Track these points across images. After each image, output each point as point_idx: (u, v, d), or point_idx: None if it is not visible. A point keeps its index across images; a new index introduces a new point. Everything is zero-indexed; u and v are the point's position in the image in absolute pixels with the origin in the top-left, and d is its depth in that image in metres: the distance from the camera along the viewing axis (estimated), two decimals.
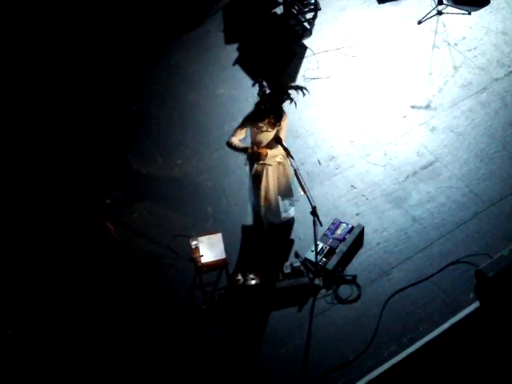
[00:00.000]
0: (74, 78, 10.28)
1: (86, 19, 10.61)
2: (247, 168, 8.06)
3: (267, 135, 7.60)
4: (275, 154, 7.72)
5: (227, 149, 7.78)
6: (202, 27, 10.89)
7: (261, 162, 7.76)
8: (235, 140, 7.63)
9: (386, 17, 10.61)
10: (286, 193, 8.27)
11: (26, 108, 10.00)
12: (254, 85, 7.66)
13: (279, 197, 8.22)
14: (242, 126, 7.63)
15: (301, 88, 7.60)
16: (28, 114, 9.93)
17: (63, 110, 9.97)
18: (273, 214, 8.33)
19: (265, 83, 7.69)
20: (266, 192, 8.02)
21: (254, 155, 7.66)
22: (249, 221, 8.48)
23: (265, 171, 7.85)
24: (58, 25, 10.49)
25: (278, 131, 7.63)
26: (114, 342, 7.83)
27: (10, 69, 10.29)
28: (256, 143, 7.68)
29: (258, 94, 7.59)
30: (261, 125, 7.54)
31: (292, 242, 8.43)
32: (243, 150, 7.68)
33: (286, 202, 8.37)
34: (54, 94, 10.13)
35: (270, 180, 7.94)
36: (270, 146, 7.68)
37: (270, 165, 7.83)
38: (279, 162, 7.89)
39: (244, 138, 7.74)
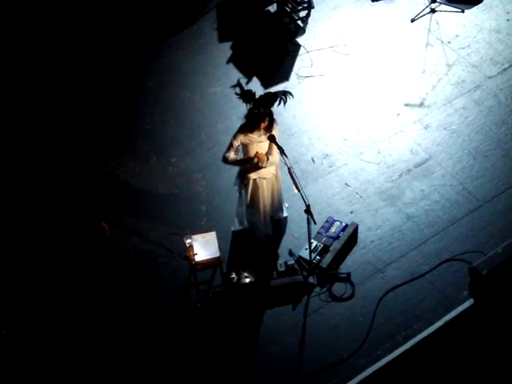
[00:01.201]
0: (67, 78, 10.26)
1: (79, 19, 10.59)
2: (236, 188, 8.07)
3: (260, 146, 7.59)
4: (271, 162, 7.70)
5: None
6: (196, 25, 10.88)
7: (255, 174, 7.76)
8: (231, 154, 7.60)
9: (379, 15, 10.61)
10: (277, 208, 8.32)
11: (19, 108, 9.98)
12: (234, 87, 7.60)
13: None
14: (236, 138, 7.60)
15: (285, 93, 7.58)
16: (21, 114, 9.91)
17: (57, 109, 9.95)
18: (267, 228, 8.35)
19: (243, 83, 7.67)
20: (263, 206, 8.03)
21: (254, 163, 7.64)
22: (237, 227, 8.47)
23: (260, 186, 7.85)
24: (52, 25, 10.47)
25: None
26: (108, 340, 7.83)
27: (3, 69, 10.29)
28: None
29: (237, 94, 7.56)
30: (253, 136, 7.54)
31: (286, 240, 8.43)
32: (245, 161, 7.65)
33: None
34: (48, 93, 10.11)
35: (266, 193, 7.95)
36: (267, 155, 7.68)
37: (265, 178, 7.84)
38: (273, 174, 7.89)
39: (237, 153, 7.72)
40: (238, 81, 7.68)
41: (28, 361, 7.73)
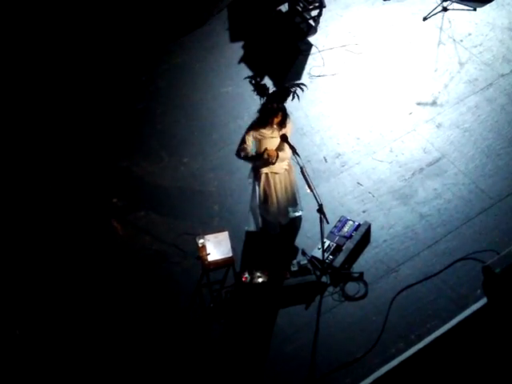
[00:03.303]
0: (80, 78, 10.29)
1: (91, 19, 10.62)
2: (250, 180, 8.07)
3: (272, 142, 7.59)
4: (282, 158, 7.72)
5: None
6: (207, 25, 10.89)
7: (267, 169, 7.76)
8: (244, 150, 7.62)
9: (391, 13, 10.59)
10: (292, 202, 8.30)
11: (34, 109, 10.03)
12: (249, 78, 7.61)
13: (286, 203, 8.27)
14: (248, 133, 7.61)
15: (299, 85, 7.58)
16: (35, 115, 9.96)
17: (69, 109, 9.99)
18: (282, 217, 8.35)
19: (258, 78, 7.67)
20: (277, 199, 8.03)
21: (265, 158, 7.64)
22: (252, 228, 8.46)
23: (272, 180, 7.86)
24: (64, 25, 10.51)
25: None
26: (121, 340, 7.85)
27: (14, 70, 10.32)
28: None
29: (251, 83, 7.55)
30: (266, 131, 7.54)
31: (299, 240, 8.42)
32: (257, 156, 7.65)
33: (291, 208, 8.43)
34: (60, 94, 10.15)
35: (278, 188, 7.95)
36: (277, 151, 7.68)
37: (277, 173, 7.84)
38: (286, 169, 7.90)
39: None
40: (254, 75, 7.70)
41: (41, 360, 7.76)
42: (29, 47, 10.45)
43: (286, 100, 7.51)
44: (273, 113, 7.43)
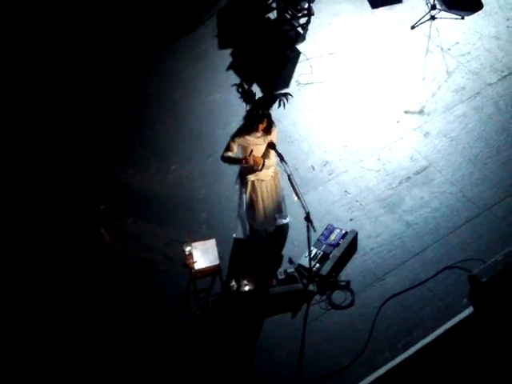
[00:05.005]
0: (68, 84, 10.28)
1: (81, 25, 10.62)
2: (237, 187, 8.07)
3: (258, 148, 7.59)
4: (268, 165, 7.72)
5: (220, 154, 7.74)
6: (196, 32, 10.89)
7: (253, 176, 7.77)
8: (229, 154, 7.61)
9: (379, 22, 10.62)
10: (277, 209, 8.30)
11: (21, 113, 10.01)
12: (235, 85, 7.60)
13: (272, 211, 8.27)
14: (234, 139, 7.60)
15: (285, 94, 7.58)
16: (23, 119, 9.93)
17: (58, 115, 9.97)
18: (269, 225, 8.35)
19: (246, 85, 7.64)
20: (263, 207, 8.03)
21: (249, 165, 7.63)
22: (240, 235, 8.46)
23: (259, 188, 7.86)
24: (54, 31, 10.50)
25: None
26: (107, 349, 7.82)
27: (5, 74, 10.31)
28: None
29: (238, 92, 7.54)
30: (251, 138, 7.54)
31: (286, 248, 8.42)
32: (239, 160, 7.65)
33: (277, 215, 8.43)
34: (49, 99, 10.14)
35: (265, 195, 7.95)
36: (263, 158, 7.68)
37: (263, 180, 7.84)
38: (272, 176, 7.90)
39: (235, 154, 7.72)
40: (241, 81, 7.69)
41: (26, 369, 7.73)
42: (17, 52, 10.44)
43: (271, 107, 7.50)
44: (258, 119, 7.42)
